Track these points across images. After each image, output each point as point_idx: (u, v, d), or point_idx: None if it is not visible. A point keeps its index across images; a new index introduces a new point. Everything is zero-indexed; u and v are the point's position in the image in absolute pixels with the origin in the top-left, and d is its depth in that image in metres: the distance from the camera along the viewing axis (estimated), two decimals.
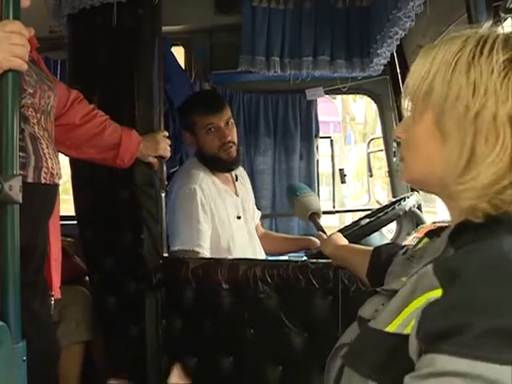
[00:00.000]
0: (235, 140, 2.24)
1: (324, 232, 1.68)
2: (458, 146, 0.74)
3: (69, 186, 2.11)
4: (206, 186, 2.15)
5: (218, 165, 2.21)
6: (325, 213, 2.15)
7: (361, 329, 0.85)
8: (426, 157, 0.80)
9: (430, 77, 0.78)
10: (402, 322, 0.71)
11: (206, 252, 2.06)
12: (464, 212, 0.76)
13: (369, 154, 3.28)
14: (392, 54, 2.54)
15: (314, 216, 1.76)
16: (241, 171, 2.40)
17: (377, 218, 2.07)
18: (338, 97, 5.42)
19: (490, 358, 0.59)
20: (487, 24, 0.80)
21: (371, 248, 1.28)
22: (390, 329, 0.73)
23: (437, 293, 0.68)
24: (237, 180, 2.34)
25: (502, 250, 0.70)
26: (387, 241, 2.23)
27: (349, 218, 5.05)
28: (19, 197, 1.07)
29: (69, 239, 2.28)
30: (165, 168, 2.01)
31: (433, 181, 0.81)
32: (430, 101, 0.78)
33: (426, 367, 0.62)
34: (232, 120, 2.25)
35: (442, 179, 0.77)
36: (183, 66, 2.93)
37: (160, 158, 1.95)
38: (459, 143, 0.74)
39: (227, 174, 2.29)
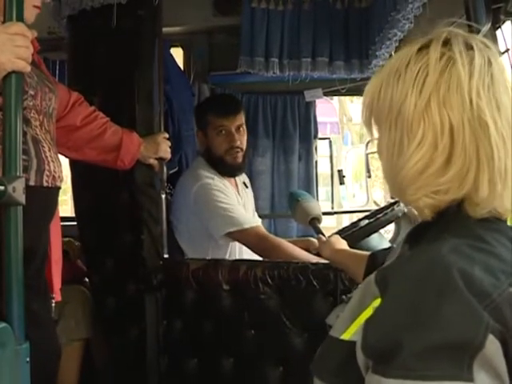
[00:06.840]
0: (243, 146, 2.27)
1: (323, 235, 1.68)
2: (391, 145, 0.78)
3: (66, 186, 2.10)
4: (218, 183, 2.19)
5: (223, 168, 2.24)
6: (323, 214, 2.14)
7: (326, 336, 0.86)
8: (383, 167, 0.83)
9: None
10: (357, 330, 0.71)
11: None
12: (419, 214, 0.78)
13: (367, 155, 3.27)
14: (391, 56, 2.55)
15: (314, 221, 1.75)
16: (245, 177, 2.44)
17: (376, 219, 2.07)
18: (335, 97, 5.40)
19: (432, 376, 0.60)
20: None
21: (368, 253, 1.28)
22: (345, 336, 0.73)
23: (378, 302, 0.68)
24: (247, 187, 2.40)
25: (439, 255, 0.67)
26: (386, 242, 2.23)
27: (346, 219, 5.05)
28: (23, 198, 1.07)
29: (77, 243, 2.27)
30: (165, 169, 2.02)
31: (394, 189, 0.82)
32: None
33: None
34: (244, 126, 2.28)
35: (395, 185, 0.80)
36: (182, 68, 2.93)
37: (160, 159, 1.95)
38: (391, 142, 0.78)
39: (232, 179, 2.32)
